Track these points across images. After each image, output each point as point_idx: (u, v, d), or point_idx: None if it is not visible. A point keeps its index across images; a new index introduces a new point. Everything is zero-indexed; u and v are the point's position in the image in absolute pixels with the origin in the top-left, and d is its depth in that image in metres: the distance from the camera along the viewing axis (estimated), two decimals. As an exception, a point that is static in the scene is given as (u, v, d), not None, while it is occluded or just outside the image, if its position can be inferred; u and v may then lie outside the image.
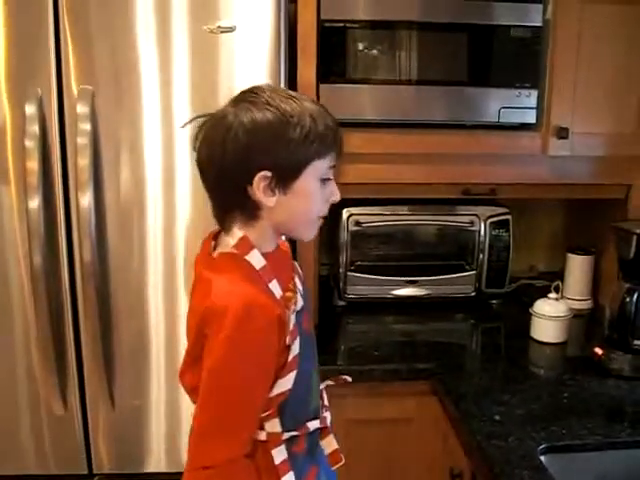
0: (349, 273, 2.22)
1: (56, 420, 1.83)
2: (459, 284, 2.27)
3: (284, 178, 1.18)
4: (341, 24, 1.91)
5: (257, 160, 1.16)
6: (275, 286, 1.21)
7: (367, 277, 2.23)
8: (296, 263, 1.41)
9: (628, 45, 1.98)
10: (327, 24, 1.90)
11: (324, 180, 1.22)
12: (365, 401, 1.88)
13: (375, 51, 1.95)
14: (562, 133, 1.99)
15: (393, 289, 2.25)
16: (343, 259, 2.21)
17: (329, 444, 1.40)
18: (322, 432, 1.38)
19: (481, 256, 2.24)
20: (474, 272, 2.26)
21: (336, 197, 1.26)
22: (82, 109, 1.63)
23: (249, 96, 1.19)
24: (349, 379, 1.56)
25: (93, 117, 1.65)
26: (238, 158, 1.16)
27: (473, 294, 2.27)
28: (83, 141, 1.63)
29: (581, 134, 2.01)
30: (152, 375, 1.83)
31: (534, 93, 2.01)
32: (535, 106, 2.02)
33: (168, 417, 1.86)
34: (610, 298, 1.91)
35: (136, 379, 1.83)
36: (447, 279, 2.26)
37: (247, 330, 1.14)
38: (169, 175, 1.73)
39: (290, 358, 1.21)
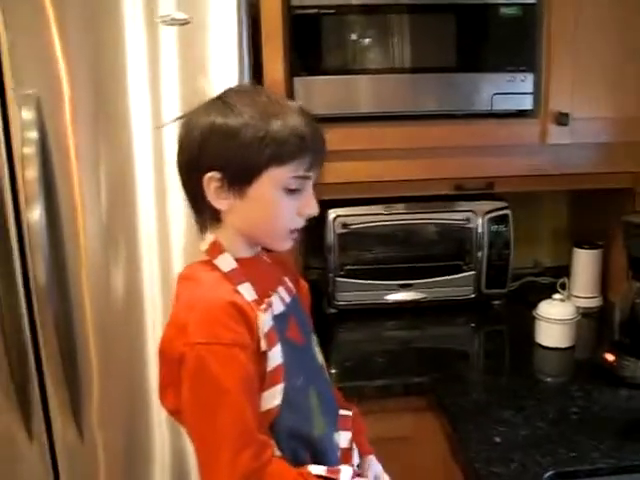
0: (338, 278, 2.06)
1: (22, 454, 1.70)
2: (457, 286, 2.10)
3: (236, 182, 1.12)
4: (314, 10, 1.74)
5: (206, 160, 1.11)
6: (247, 289, 1.15)
7: (357, 282, 2.07)
8: (286, 278, 1.30)
9: (633, 20, 1.81)
10: (298, 11, 1.73)
11: (290, 190, 1.14)
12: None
13: (353, 39, 1.78)
14: (562, 119, 1.83)
15: (386, 294, 2.09)
16: (331, 264, 2.06)
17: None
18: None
19: (480, 255, 2.07)
20: (473, 272, 2.09)
21: (311, 211, 1.18)
22: (27, 115, 1.48)
23: (222, 96, 1.15)
24: None
25: (40, 124, 1.50)
26: (191, 157, 1.13)
27: (472, 296, 2.11)
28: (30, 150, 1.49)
29: (583, 120, 1.85)
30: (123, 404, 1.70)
31: (530, 77, 1.84)
32: (532, 91, 1.86)
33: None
34: (620, 298, 1.75)
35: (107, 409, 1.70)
36: (444, 281, 2.09)
37: (210, 334, 1.06)
38: (129, 184, 1.59)
39: (270, 367, 1.12)
